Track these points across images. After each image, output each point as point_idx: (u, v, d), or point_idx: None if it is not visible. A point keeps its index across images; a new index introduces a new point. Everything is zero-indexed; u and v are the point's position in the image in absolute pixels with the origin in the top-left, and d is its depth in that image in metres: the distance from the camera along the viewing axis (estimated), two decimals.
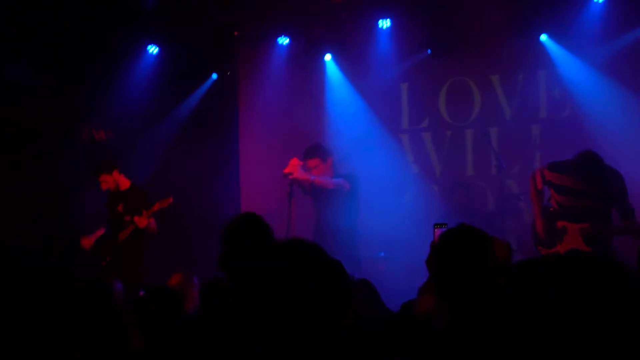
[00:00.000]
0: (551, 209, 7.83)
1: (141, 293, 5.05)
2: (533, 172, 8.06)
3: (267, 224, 4.62)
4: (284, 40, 10.89)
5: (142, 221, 8.98)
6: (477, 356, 2.95)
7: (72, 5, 9.98)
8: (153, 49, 11.05)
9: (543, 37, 9.75)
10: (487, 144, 9.33)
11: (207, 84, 11.39)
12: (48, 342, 2.71)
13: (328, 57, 10.78)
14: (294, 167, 8.09)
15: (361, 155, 10.32)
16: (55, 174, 10.56)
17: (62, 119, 10.82)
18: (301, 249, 2.43)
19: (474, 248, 3.53)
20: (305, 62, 10.86)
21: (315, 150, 8.46)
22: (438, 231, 4.22)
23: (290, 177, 8.07)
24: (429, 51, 10.31)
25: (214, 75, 11.39)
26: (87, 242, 9.26)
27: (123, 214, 9.11)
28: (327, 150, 8.54)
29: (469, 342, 3.03)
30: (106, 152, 10.12)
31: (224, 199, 10.97)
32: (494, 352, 2.72)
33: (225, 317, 3.33)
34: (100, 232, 9.27)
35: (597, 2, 9.44)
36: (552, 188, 7.81)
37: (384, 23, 10.41)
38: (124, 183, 9.27)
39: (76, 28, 10.37)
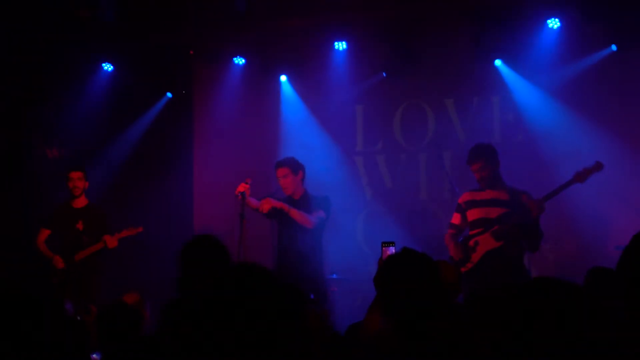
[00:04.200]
0: (464, 238, 7.81)
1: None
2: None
3: (223, 246, 4.59)
4: (239, 61, 10.87)
5: (113, 242, 8.83)
6: None
7: (26, 21, 9.88)
8: (108, 67, 10.97)
9: (497, 63, 9.85)
10: (441, 167, 9.36)
11: (162, 102, 11.30)
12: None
13: (283, 78, 10.78)
14: (246, 188, 7.86)
15: (315, 177, 10.31)
16: (9, 189, 10.45)
17: (15, 135, 10.69)
18: (253, 275, 2.51)
19: (416, 270, 3.52)
20: (260, 82, 10.84)
21: (287, 161, 8.14)
22: (385, 249, 4.22)
23: (266, 206, 7.81)
24: (384, 74, 10.37)
25: (169, 94, 11.30)
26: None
27: (82, 233, 8.94)
28: (299, 164, 8.27)
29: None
30: (59, 169, 9.96)
31: (177, 218, 10.91)
32: None
33: (183, 338, 3.30)
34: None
35: (552, 28, 9.58)
36: (469, 209, 7.71)
37: (340, 45, 10.46)
38: (83, 199, 9.10)
39: (31, 45, 10.27)
